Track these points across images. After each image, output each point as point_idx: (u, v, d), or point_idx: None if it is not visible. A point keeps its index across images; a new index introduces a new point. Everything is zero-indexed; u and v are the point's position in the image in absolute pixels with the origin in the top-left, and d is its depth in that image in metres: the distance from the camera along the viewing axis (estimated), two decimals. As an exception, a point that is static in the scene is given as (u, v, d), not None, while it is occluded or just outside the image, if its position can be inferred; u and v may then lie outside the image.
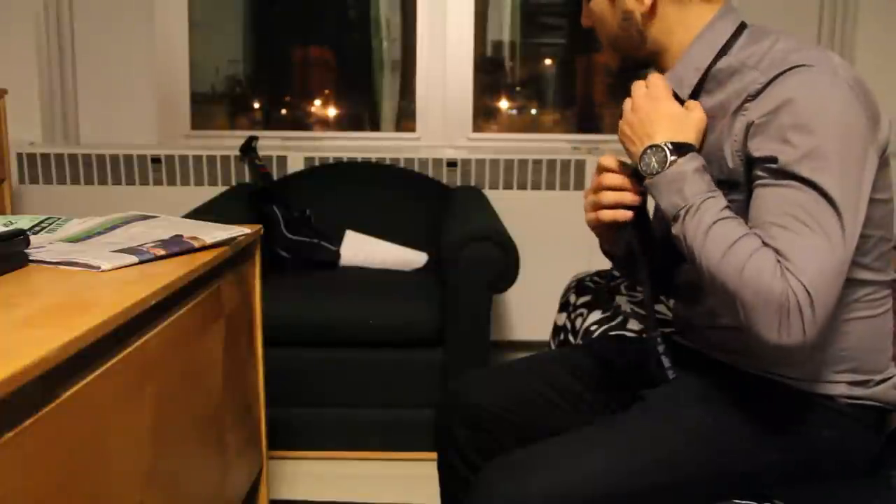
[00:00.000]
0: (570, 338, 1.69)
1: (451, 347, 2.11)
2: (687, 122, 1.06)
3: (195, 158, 2.83)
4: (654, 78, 1.10)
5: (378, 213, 2.65)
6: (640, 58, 1.16)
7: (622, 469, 1.02)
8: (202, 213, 2.25)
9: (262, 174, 2.74)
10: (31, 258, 1.14)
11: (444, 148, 3.01)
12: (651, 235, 1.22)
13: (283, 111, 3.35)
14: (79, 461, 0.82)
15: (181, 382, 1.14)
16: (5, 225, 1.31)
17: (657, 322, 1.20)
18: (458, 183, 2.83)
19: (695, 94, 1.10)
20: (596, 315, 1.66)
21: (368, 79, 3.22)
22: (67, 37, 2.94)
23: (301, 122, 3.31)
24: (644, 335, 1.53)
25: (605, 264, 1.76)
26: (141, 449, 0.99)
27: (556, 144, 3.06)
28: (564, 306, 1.76)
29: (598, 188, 1.14)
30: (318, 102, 3.33)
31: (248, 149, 2.78)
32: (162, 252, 1.19)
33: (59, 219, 1.40)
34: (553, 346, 1.76)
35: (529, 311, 2.81)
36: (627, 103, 1.10)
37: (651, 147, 1.04)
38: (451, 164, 2.82)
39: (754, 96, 1.00)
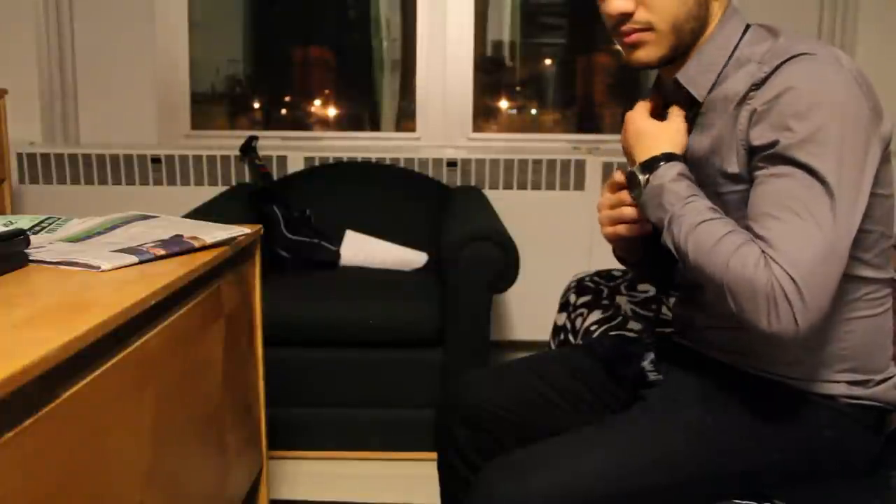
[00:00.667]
0: (570, 338, 1.69)
1: (451, 347, 2.11)
2: (661, 135, 1.08)
3: (195, 158, 2.83)
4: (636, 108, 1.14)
5: (378, 213, 2.65)
6: (687, 45, 1.08)
7: (622, 469, 1.02)
8: (202, 213, 2.25)
9: (262, 174, 2.74)
10: (31, 258, 1.14)
11: (444, 148, 3.01)
12: None
13: (283, 111, 3.35)
14: (79, 461, 0.82)
15: (181, 382, 1.14)
16: (5, 225, 1.31)
17: (654, 326, 1.21)
18: (458, 183, 2.83)
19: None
20: (596, 315, 1.66)
21: (368, 79, 3.22)
22: (67, 37, 2.94)
23: (301, 122, 3.31)
24: (643, 336, 1.54)
25: (605, 264, 1.76)
26: (141, 449, 0.99)
27: (556, 144, 3.06)
28: (564, 306, 1.76)
29: (618, 204, 1.15)
30: (318, 102, 3.33)
31: (248, 149, 2.78)
32: (162, 252, 1.19)
33: (59, 219, 1.40)
34: (553, 346, 1.76)
35: (529, 311, 2.81)
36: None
37: (629, 175, 1.10)
38: (451, 164, 2.82)
39: (759, 85, 1.00)
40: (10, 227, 1.25)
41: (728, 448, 1.06)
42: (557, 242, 2.78)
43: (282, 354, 2.05)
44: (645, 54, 1.07)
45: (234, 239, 1.34)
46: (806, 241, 0.91)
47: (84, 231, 1.33)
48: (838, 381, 1.07)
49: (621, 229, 1.15)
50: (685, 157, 1.09)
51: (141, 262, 1.15)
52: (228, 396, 1.38)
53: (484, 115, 3.18)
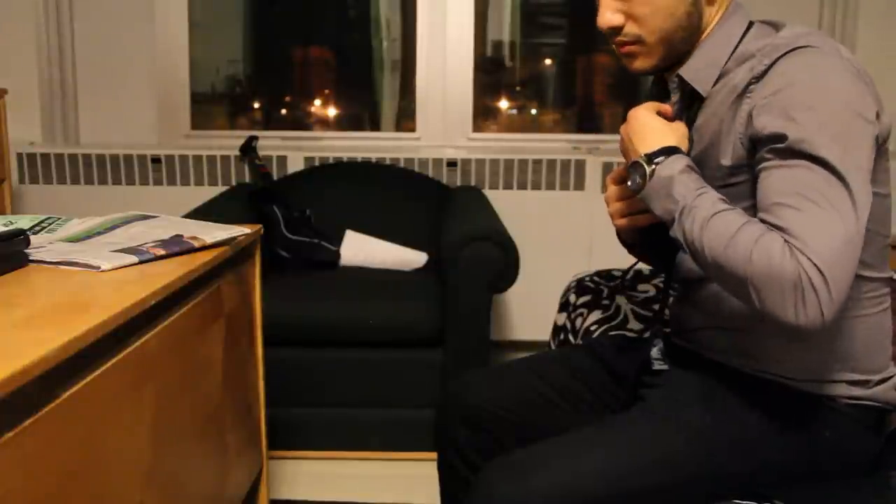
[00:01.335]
0: (570, 338, 1.69)
1: (451, 347, 2.11)
2: (668, 131, 1.07)
3: (195, 158, 2.83)
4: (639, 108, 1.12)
5: (378, 213, 2.65)
6: (682, 52, 1.10)
7: (622, 469, 1.02)
8: (202, 213, 2.25)
9: (262, 174, 2.74)
10: (31, 258, 1.14)
11: (444, 148, 3.01)
12: None
13: (283, 111, 3.35)
14: (78, 461, 0.82)
15: (181, 382, 1.14)
16: (5, 225, 1.31)
17: (662, 316, 1.22)
18: (458, 183, 2.83)
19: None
20: (596, 315, 1.66)
21: (368, 79, 3.22)
22: (67, 37, 2.94)
23: (301, 122, 3.31)
24: (645, 333, 1.53)
25: (605, 264, 1.75)
26: (141, 449, 0.99)
27: (556, 144, 3.06)
28: (564, 306, 1.76)
29: (627, 196, 1.14)
30: (318, 102, 3.33)
31: (248, 149, 2.78)
32: (162, 252, 1.19)
33: (59, 219, 1.40)
34: (553, 346, 1.76)
35: (529, 311, 2.81)
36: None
37: (631, 165, 1.07)
38: (451, 164, 2.82)
39: (759, 78, 1.00)
40: (10, 227, 1.25)
41: (728, 448, 1.06)
42: (557, 242, 2.78)
43: (282, 354, 2.05)
44: (639, 64, 1.10)
45: (234, 239, 1.34)
46: (829, 231, 0.89)
47: (84, 231, 1.33)
48: (838, 381, 1.06)
49: (641, 220, 1.14)
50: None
51: (141, 262, 1.15)
52: (228, 396, 1.38)
53: (484, 115, 3.18)
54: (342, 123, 3.30)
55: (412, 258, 2.52)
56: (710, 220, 0.96)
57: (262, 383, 1.62)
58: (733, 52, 1.07)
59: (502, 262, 2.06)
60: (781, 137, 0.95)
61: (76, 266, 1.10)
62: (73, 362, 0.80)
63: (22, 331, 0.81)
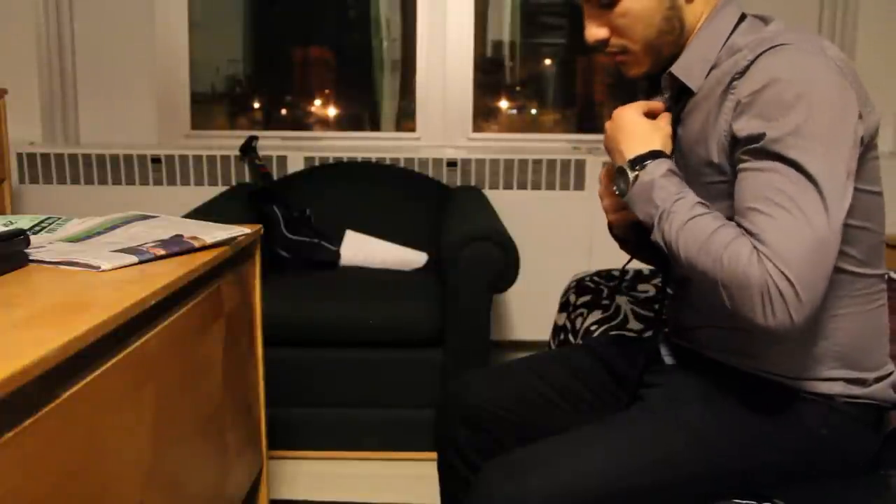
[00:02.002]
0: (570, 338, 1.69)
1: (451, 347, 2.11)
2: (652, 133, 1.08)
3: (195, 158, 2.83)
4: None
5: (378, 213, 2.65)
6: (671, 55, 1.11)
7: (622, 468, 1.03)
8: (202, 213, 2.25)
9: (262, 174, 2.74)
10: (31, 258, 1.14)
11: (444, 148, 3.01)
12: None
13: (283, 111, 3.35)
14: (78, 461, 0.82)
15: (181, 382, 1.14)
16: (5, 225, 1.31)
17: (661, 316, 1.22)
18: (458, 183, 2.83)
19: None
20: (596, 315, 1.66)
21: (368, 79, 3.22)
22: (67, 37, 2.94)
23: (301, 122, 3.31)
24: (645, 333, 1.54)
25: (605, 264, 1.75)
26: (141, 449, 0.99)
27: (556, 144, 3.06)
28: (564, 306, 1.76)
29: None
30: (318, 102, 3.33)
31: (248, 149, 2.78)
32: (162, 252, 1.19)
33: (59, 219, 1.40)
34: (553, 346, 1.76)
35: (529, 311, 2.81)
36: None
37: (617, 170, 1.10)
38: (451, 164, 2.82)
39: (741, 73, 1.00)
40: (10, 227, 1.25)
41: (727, 447, 1.06)
42: (557, 242, 2.78)
43: (282, 354, 2.05)
44: (632, 71, 1.13)
45: (234, 239, 1.34)
46: (796, 237, 0.91)
47: (84, 231, 1.33)
48: (835, 380, 1.07)
49: (634, 214, 1.14)
50: (673, 153, 1.10)
51: (141, 262, 1.15)
52: (228, 396, 1.38)
53: (484, 115, 3.18)
54: (342, 123, 3.30)
55: (412, 258, 2.52)
56: (685, 225, 0.98)
57: (262, 383, 1.62)
58: (724, 45, 1.07)
59: (502, 262, 2.06)
60: (757, 138, 0.96)
61: (76, 266, 1.10)
62: (73, 362, 0.80)
63: (22, 331, 0.81)
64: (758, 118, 0.96)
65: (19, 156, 2.80)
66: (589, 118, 3.35)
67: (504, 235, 2.09)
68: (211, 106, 3.23)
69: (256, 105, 3.35)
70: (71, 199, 2.82)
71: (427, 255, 2.52)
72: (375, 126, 3.24)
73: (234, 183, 2.83)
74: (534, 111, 3.33)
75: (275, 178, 2.79)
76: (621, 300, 1.68)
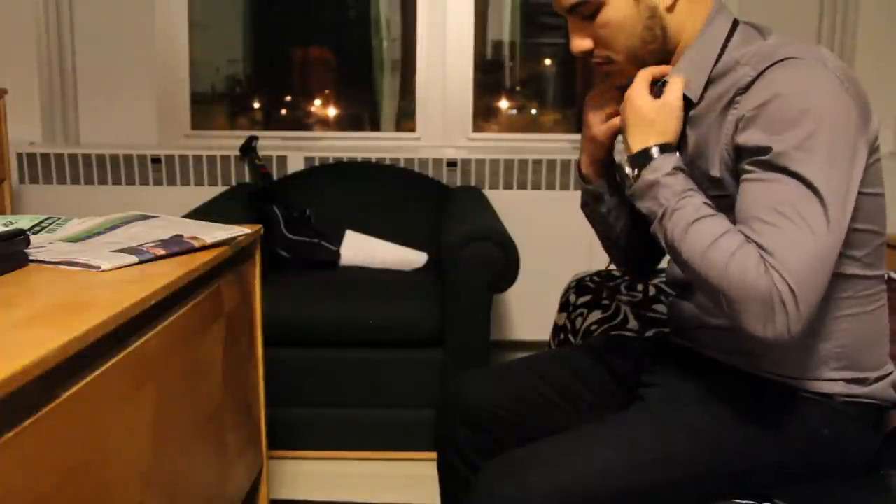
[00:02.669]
0: (570, 338, 1.69)
1: (451, 347, 2.11)
2: (656, 121, 1.06)
3: (195, 158, 2.83)
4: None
5: (378, 213, 2.65)
6: (656, 64, 1.11)
7: (622, 468, 1.03)
8: (202, 213, 2.25)
9: (262, 174, 2.74)
10: (31, 258, 1.14)
11: (444, 148, 3.01)
12: None
13: (283, 111, 3.35)
14: (78, 461, 0.82)
15: (181, 382, 1.14)
16: (5, 225, 1.31)
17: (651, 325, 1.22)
18: (458, 183, 2.83)
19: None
20: (596, 315, 1.66)
21: (368, 79, 3.22)
22: (67, 37, 2.94)
23: (301, 122, 3.31)
24: (645, 333, 1.53)
25: (605, 264, 1.76)
26: (141, 449, 0.99)
27: (556, 144, 3.06)
28: (564, 306, 1.76)
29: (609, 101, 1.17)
30: (318, 102, 3.33)
31: (248, 149, 2.78)
32: (162, 252, 1.19)
33: (59, 219, 1.40)
34: (553, 346, 1.76)
35: (529, 311, 2.81)
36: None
37: (618, 164, 1.11)
38: (451, 164, 2.82)
39: (745, 89, 1.00)
40: (10, 227, 1.25)
41: (727, 447, 1.06)
42: (557, 242, 2.78)
43: (282, 354, 2.05)
44: (617, 81, 1.14)
45: (234, 239, 1.34)
46: (802, 248, 0.92)
47: (84, 231, 1.33)
48: (836, 380, 1.07)
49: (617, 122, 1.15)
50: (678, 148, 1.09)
51: (141, 262, 1.15)
52: (228, 396, 1.38)
53: (484, 115, 3.18)
54: (342, 123, 3.30)
55: (412, 258, 2.52)
56: (691, 226, 0.98)
57: (262, 383, 1.62)
58: (719, 56, 1.07)
59: (502, 262, 2.07)
60: (764, 150, 0.96)
61: (76, 266, 1.10)
62: (73, 362, 0.80)
63: (22, 331, 0.81)
64: (763, 132, 0.96)
65: (19, 156, 2.80)
66: (589, 118, 3.34)
67: (504, 235, 2.09)
68: (211, 106, 3.23)
69: (256, 105, 3.35)
70: (71, 199, 2.82)
71: (427, 255, 2.52)
72: (375, 126, 3.25)
73: (234, 183, 2.83)
74: (534, 111, 3.33)
75: (275, 178, 2.79)
76: (621, 300, 1.68)
